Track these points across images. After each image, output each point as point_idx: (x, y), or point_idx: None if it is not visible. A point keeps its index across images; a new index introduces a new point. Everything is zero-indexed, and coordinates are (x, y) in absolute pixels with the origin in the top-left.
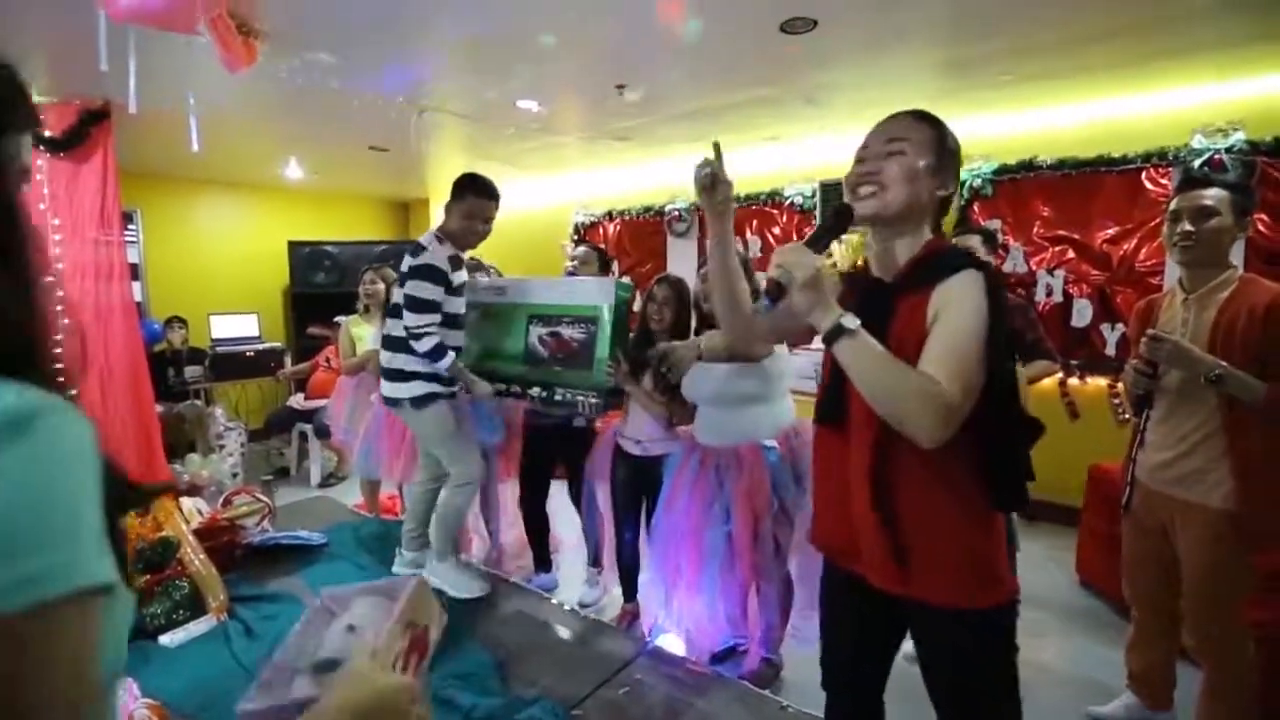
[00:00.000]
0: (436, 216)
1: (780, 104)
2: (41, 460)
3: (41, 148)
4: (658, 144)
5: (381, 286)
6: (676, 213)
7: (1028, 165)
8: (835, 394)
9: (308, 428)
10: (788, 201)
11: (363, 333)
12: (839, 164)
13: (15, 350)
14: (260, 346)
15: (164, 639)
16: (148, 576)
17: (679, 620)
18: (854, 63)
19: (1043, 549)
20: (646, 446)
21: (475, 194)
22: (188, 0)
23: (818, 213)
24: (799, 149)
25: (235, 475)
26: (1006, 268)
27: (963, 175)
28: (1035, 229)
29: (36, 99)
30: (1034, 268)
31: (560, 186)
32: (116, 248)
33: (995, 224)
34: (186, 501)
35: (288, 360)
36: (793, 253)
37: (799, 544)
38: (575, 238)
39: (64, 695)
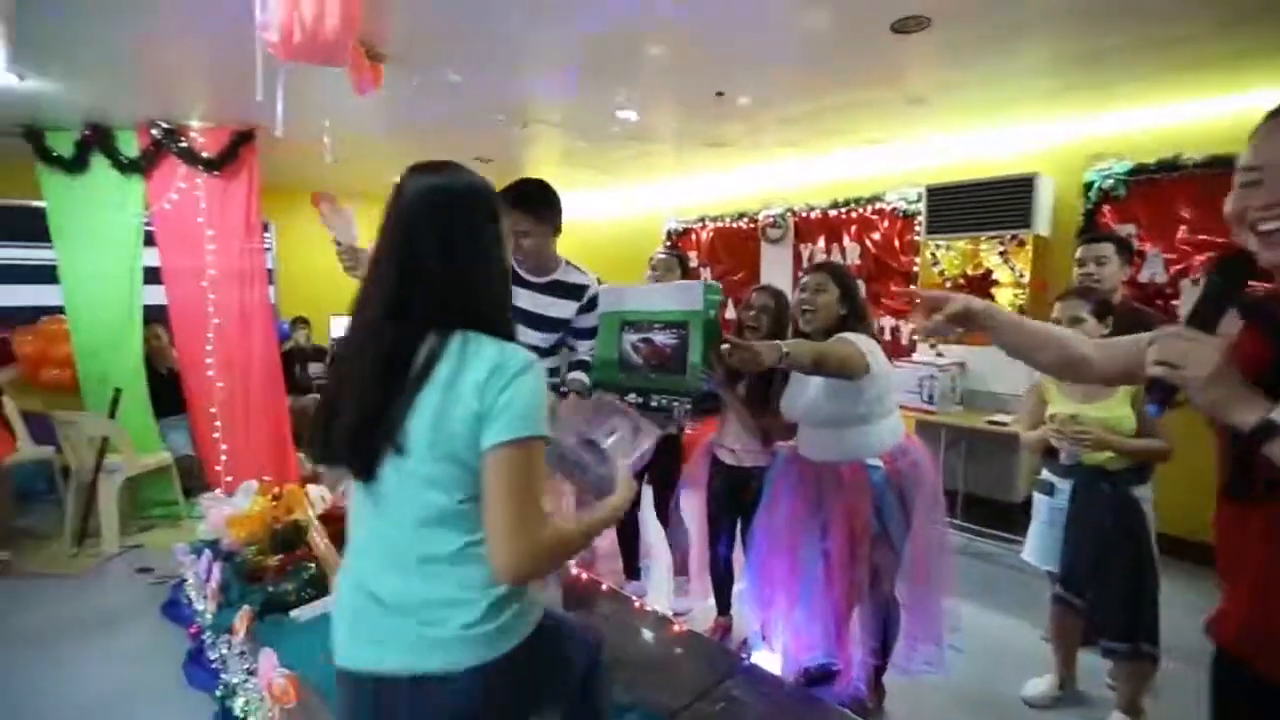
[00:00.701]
0: None
1: (883, 105)
2: (536, 382)
3: (199, 167)
4: (753, 149)
5: None
6: (771, 219)
7: (1170, 164)
8: (1246, 462)
9: None
10: (890, 207)
11: None
12: (944, 166)
13: (511, 333)
14: None
15: (294, 614)
16: (281, 556)
17: (773, 635)
18: (969, 61)
19: (1180, 592)
20: (741, 456)
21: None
22: (344, 38)
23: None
24: (901, 151)
25: None
26: (1143, 276)
27: (1092, 176)
28: (1179, 234)
29: (195, 124)
30: (1175, 276)
31: (654, 193)
32: (258, 255)
33: (1128, 229)
34: (311, 489)
35: None
36: (1179, 342)
37: (907, 571)
38: (668, 244)
39: (538, 493)
